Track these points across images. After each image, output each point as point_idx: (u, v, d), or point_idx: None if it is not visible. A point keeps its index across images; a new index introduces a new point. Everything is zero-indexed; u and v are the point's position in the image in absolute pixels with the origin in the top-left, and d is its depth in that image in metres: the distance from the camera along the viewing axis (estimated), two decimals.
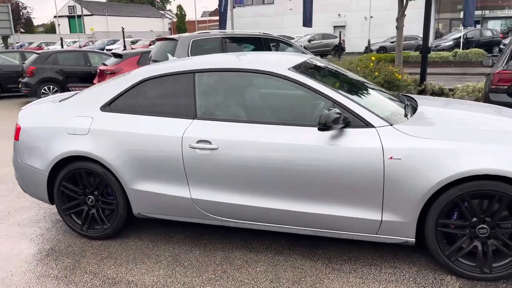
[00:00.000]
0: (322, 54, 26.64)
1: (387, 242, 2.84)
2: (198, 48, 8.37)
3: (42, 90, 11.38)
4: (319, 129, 2.68)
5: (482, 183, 2.57)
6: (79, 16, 56.57)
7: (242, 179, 2.98)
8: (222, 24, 24.36)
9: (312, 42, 26.79)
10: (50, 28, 70.48)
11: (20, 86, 11.78)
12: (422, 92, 8.75)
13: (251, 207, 3.00)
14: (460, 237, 2.72)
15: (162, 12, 71.55)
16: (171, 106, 3.21)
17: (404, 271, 2.85)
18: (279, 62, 3.19)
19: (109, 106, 3.37)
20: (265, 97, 3.10)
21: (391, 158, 2.69)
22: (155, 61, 8.24)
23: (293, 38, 28.37)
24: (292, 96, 3.03)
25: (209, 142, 3.01)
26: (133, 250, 3.30)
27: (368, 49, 25.80)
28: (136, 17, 64.58)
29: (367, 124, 2.80)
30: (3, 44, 39.72)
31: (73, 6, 59.82)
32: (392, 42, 26.93)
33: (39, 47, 38.67)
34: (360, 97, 3.17)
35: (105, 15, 57.24)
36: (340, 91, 2.97)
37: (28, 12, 44.57)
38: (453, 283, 2.69)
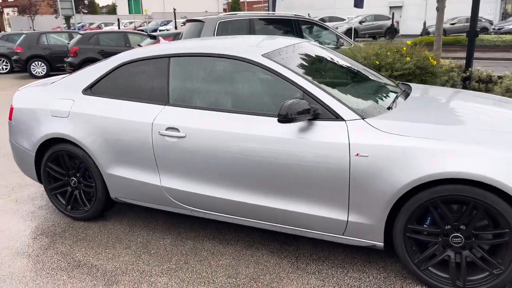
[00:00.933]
0: (374, 37, 25.56)
1: (354, 244, 2.64)
2: (225, 30, 8.26)
3: None
4: (279, 121, 2.50)
5: (455, 187, 2.29)
6: None
7: (209, 169, 2.88)
8: (272, 5, 23.95)
9: (364, 23, 25.73)
10: (112, 9, 73.13)
11: (65, 65, 12.32)
12: (467, 80, 8.10)
13: (218, 198, 2.90)
14: (432, 245, 2.47)
15: None
16: (146, 91, 3.16)
17: (371, 277, 2.64)
18: (254, 47, 3.01)
19: (90, 90, 3.37)
20: (236, 85, 2.94)
21: (357, 155, 2.47)
22: None
23: (344, 20, 27.45)
24: (264, 85, 2.86)
25: (177, 130, 2.93)
26: (108, 234, 3.33)
27: (423, 32, 24.39)
28: None
29: (337, 117, 2.58)
30: (66, 24, 41.84)
31: None
32: (452, 24, 25.26)
33: (99, 27, 40.33)
34: (339, 87, 2.93)
35: None
36: (313, 80, 2.75)
37: None
38: None
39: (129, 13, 60.44)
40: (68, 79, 3.57)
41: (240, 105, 2.85)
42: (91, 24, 42.47)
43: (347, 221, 2.58)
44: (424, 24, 25.20)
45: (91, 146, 3.24)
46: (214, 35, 8.09)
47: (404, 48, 7.49)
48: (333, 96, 2.65)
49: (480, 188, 2.24)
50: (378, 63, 6.92)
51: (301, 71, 2.85)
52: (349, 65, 3.47)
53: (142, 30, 30.87)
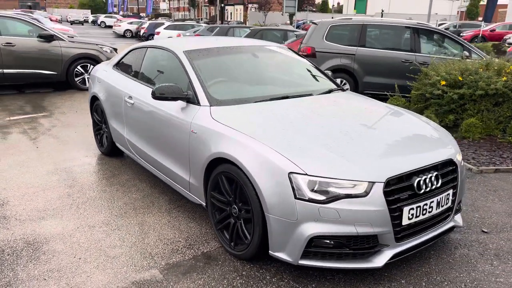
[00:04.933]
0: None
1: (194, 201, 3.41)
2: (335, 34, 8.77)
3: None
4: (152, 97, 3.44)
5: (227, 166, 2.87)
6: None
7: (141, 129, 4.03)
8: (489, 10, 21.67)
9: None
10: (340, 9, 76.34)
11: None
12: None
13: (144, 152, 4.03)
14: (224, 211, 3.06)
15: None
16: (133, 70, 4.48)
17: (196, 229, 3.37)
18: (183, 44, 3.96)
19: (116, 65, 4.90)
20: (165, 70, 3.97)
21: (192, 131, 3.24)
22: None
23: None
24: (178, 72, 3.78)
25: (131, 98, 4.16)
26: (106, 164, 4.84)
27: None
28: None
29: (198, 102, 3.38)
30: (289, 21, 46.19)
31: None
32: None
33: (307, 24, 43.29)
34: (226, 82, 3.66)
35: None
36: (200, 74, 3.53)
37: None
38: (208, 248, 3.10)
39: (355, 13, 62.02)
40: (113, 57, 5.19)
41: None
42: (311, 21, 45.81)
43: (189, 181, 3.38)
44: None
45: (104, 103, 4.78)
46: (323, 38, 8.72)
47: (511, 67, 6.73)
48: (203, 87, 3.43)
49: (238, 169, 2.77)
50: (461, 79, 6.50)
51: (204, 67, 3.66)
52: (281, 67, 4.02)
53: None
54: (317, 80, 4.06)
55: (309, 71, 4.19)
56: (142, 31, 29.35)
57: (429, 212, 2.71)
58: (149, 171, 4.59)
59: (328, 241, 2.53)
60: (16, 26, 9.11)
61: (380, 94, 8.00)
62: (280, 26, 22.78)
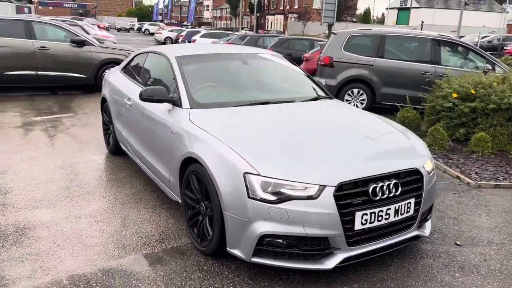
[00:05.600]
0: None
1: (172, 198, 3.57)
2: (353, 44, 8.77)
3: None
4: (140, 99, 3.65)
5: (196, 165, 3.02)
6: (408, 9, 58.23)
7: (136, 130, 4.26)
8: None
9: None
10: (382, 20, 75.27)
11: None
12: None
13: (138, 151, 4.25)
14: (194, 209, 3.20)
15: (504, 6, 63.84)
16: (134, 73, 4.74)
17: (171, 224, 3.53)
18: (177, 50, 4.16)
19: (123, 69, 5.19)
20: (161, 74, 4.18)
21: (171, 131, 3.43)
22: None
23: None
24: (170, 76, 3.99)
25: (130, 100, 4.41)
26: (110, 161, 5.11)
27: None
28: (469, 11, 60.37)
29: (181, 105, 3.56)
30: (328, 31, 46.32)
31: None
32: None
33: None
34: (210, 87, 3.83)
35: (433, 8, 56.50)
36: (186, 79, 3.71)
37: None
38: (178, 242, 3.25)
39: (396, 24, 60.99)
40: (123, 61, 5.49)
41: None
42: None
43: (169, 179, 3.56)
44: None
45: (110, 104, 5.07)
46: (341, 48, 8.76)
47: None
48: (187, 91, 3.61)
49: (203, 168, 2.91)
50: (473, 92, 6.37)
51: (192, 72, 3.85)
52: (270, 74, 4.15)
53: None
54: (304, 87, 4.15)
55: (299, 79, 4.28)
56: (180, 39, 30.24)
57: (386, 219, 2.73)
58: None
59: (280, 241, 2.62)
60: (52, 32, 9.72)
61: (396, 105, 7.92)
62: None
